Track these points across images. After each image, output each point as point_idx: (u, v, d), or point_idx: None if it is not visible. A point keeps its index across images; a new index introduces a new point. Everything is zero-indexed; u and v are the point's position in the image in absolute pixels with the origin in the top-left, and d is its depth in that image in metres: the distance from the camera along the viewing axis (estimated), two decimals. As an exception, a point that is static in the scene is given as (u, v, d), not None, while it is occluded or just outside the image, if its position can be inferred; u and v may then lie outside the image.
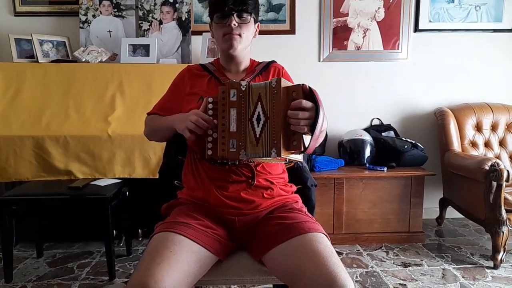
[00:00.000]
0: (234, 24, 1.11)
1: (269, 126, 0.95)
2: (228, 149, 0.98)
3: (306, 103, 0.93)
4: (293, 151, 0.95)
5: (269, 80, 0.96)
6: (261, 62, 1.27)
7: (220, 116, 1.00)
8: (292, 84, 0.98)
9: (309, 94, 0.95)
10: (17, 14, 2.52)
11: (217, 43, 1.21)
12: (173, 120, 1.11)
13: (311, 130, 0.93)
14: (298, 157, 1.00)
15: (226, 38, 1.13)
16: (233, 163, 1.10)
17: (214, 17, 1.15)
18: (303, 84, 0.95)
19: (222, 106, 1.00)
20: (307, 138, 0.94)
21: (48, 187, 1.91)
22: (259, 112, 0.97)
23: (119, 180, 2.01)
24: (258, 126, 0.97)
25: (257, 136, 0.97)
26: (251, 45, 1.22)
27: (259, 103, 0.98)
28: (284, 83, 0.95)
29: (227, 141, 0.98)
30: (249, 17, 1.14)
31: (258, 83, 1.01)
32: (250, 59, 1.27)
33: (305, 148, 0.93)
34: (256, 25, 1.21)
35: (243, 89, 0.99)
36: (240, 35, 1.13)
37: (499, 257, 1.98)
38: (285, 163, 1.24)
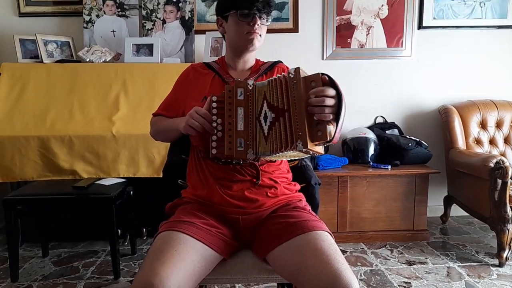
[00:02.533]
0: (258, 24, 1.13)
1: (288, 118, 0.92)
2: (236, 148, 0.97)
3: (330, 91, 0.90)
4: (318, 142, 0.92)
5: (288, 71, 0.93)
6: (266, 62, 1.28)
7: (227, 115, 0.99)
8: (311, 74, 0.94)
9: (329, 83, 0.92)
10: (22, 14, 2.54)
11: (231, 39, 1.20)
12: (179, 123, 1.11)
13: (336, 119, 0.91)
14: (321, 149, 0.95)
15: (247, 36, 1.14)
16: (238, 162, 1.09)
17: (237, 13, 1.14)
18: (322, 74, 0.92)
19: (229, 105, 0.99)
20: (331, 128, 0.91)
21: (53, 186, 1.93)
22: (265, 110, 0.96)
23: (123, 180, 2.02)
24: (265, 124, 0.96)
25: (265, 134, 0.95)
26: None
27: (264, 101, 0.97)
28: (303, 73, 0.93)
29: (234, 140, 0.97)
30: (269, 20, 1.17)
31: (262, 81, 1.00)
32: (256, 59, 1.27)
33: (331, 138, 0.90)
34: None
35: (250, 88, 0.99)
36: (260, 35, 1.16)
37: (504, 255, 1.97)
38: (289, 161, 1.24)
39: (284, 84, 0.94)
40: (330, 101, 0.89)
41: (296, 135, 0.90)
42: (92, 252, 2.21)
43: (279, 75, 0.96)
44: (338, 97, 0.91)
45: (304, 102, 0.90)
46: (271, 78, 0.98)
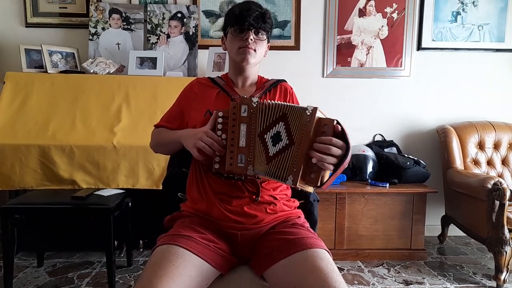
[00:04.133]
0: (251, 39, 1.15)
1: (292, 151, 0.93)
2: (236, 164, 0.99)
3: (337, 141, 0.92)
4: (308, 183, 0.94)
5: (305, 106, 0.95)
6: (270, 79, 1.29)
7: (230, 131, 1.01)
8: (326, 117, 0.95)
9: (340, 133, 0.94)
10: (28, 25, 2.58)
11: (229, 55, 1.23)
12: (180, 136, 1.12)
13: (334, 169, 0.93)
14: (310, 189, 0.98)
15: (241, 51, 1.16)
16: (239, 177, 1.11)
17: (231, 29, 1.17)
18: (336, 120, 0.94)
19: (233, 121, 1.01)
20: (325, 174, 0.93)
21: (51, 196, 1.93)
22: (278, 131, 0.97)
23: (122, 191, 2.02)
24: (274, 145, 0.96)
25: (270, 154, 0.96)
26: (260, 63, 1.25)
27: (281, 122, 0.97)
28: (319, 114, 0.94)
29: (235, 156, 0.99)
30: (265, 35, 1.18)
31: (286, 103, 1.01)
32: (258, 75, 1.29)
33: (321, 184, 0.93)
34: (268, 45, 1.24)
35: (254, 105, 1.00)
36: (255, 50, 1.17)
37: (502, 277, 1.96)
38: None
39: (300, 115, 0.95)
40: (336, 151, 0.91)
41: (290, 169, 0.93)
42: (87, 263, 2.20)
43: (298, 105, 0.97)
44: (347, 149, 0.93)
45: (309, 142, 0.92)
46: (295, 105, 0.98)
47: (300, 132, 0.94)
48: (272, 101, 1.01)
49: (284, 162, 0.94)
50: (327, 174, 0.94)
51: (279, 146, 0.96)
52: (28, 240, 2.22)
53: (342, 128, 0.95)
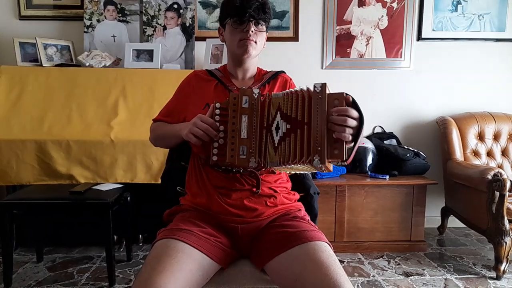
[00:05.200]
0: (252, 31, 1.12)
1: (306, 132, 0.91)
2: (238, 156, 0.97)
3: (352, 112, 0.90)
4: (333, 160, 0.91)
5: (314, 84, 0.93)
6: (269, 71, 1.27)
7: (231, 122, 0.99)
8: (335, 92, 0.93)
9: (351, 104, 0.92)
10: (22, 18, 2.53)
11: (229, 48, 1.20)
12: (180, 129, 1.10)
13: (353, 140, 0.91)
14: (331, 167, 0.95)
15: (242, 43, 1.14)
16: (238, 170, 1.09)
17: (231, 21, 1.14)
18: (346, 93, 0.92)
19: (233, 112, 0.99)
20: (347, 147, 0.91)
21: (49, 191, 1.91)
22: (278, 121, 0.96)
23: (121, 185, 2.01)
24: (276, 135, 0.95)
25: (275, 144, 0.95)
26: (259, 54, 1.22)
27: (278, 112, 0.96)
28: (327, 89, 0.93)
29: (237, 148, 0.97)
30: (265, 26, 1.16)
31: (277, 93, 1.00)
32: (257, 67, 1.27)
33: (346, 158, 0.90)
34: (266, 35, 1.22)
35: (255, 96, 0.99)
36: (256, 42, 1.14)
37: (502, 268, 1.97)
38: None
39: (307, 97, 0.93)
40: (352, 122, 0.89)
41: (314, 149, 0.89)
42: (87, 258, 2.19)
43: (297, 89, 0.96)
44: (360, 119, 0.91)
45: (326, 118, 0.90)
46: (288, 90, 0.98)
47: (313, 110, 0.91)
48: (277, 93, 1.00)
49: (296, 145, 0.92)
50: (349, 148, 0.91)
51: (280, 133, 0.95)
52: (27, 236, 2.21)
53: (353, 99, 0.93)
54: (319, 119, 0.90)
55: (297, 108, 0.94)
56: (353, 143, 0.91)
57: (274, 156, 0.95)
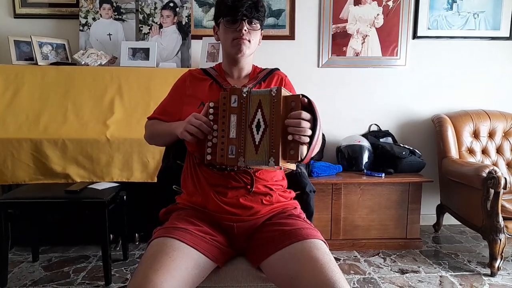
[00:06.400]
0: (245, 30, 1.12)
1: (268, 134, 0.95)
2: (227, 156, 0.98)
3: (306, 115, 0.94)
4: (290, 160, 0.96)
5: (270, 88, 0.97)
6: (264, 69, 1.27)
7: (220, 121, 1.00)
8: (291, 94, 0.98)
9: (308, 105, 0.96)
10: (17, 16, 2.52)
11: (223, 47, 1.20)
12: (175, 127, 1.10)
13: (309, 141, 0.95)
14: (292, 166, 1.01)
15: (235, 43, 1.14)
16: (232, 168, 1.09)
17: (224, 20, 1.14)
18: (302, 95, 0.96)
19: (223, 111, 1.00)
20: (303, 148, 0.95)
21: (45, 190, 1.90)
22: (259, 119, 0.98)
23: (117, 184, 2.00)
24: (257, 133, 0.97)
25: (257, 143, 0.97)
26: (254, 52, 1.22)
27: (259, 110, 0.98)
28: (284, 92, 0.96)
29: (226, 147, 0.98)
30: (258, 25, 1.16)
31: (259, 89, 1.02)
32: (253, 65, 1.27)
33: (302, 159, 0.95)
34: (261, 33, 1.22)
35: (244, 95, 0.99)
36: (249, 40, 1.14)
37: (496, 265, 1.98)
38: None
39: (269, 99, 0.97)
40: (306, 124, 0.93)
41: (270, 151, 0.94)
42: (83, 257, 2.18)
43: (266, 89, 0.99)
44: (314, 121, 0.95)
45: (281, 121, 0.94)
46: (266, 89, 0.99)
47: (271, 114, 0.96)
48: (256, 90, 1.01)
49: (265, 146, 0.96)
50: (305, 148, 0.95)
51: (260, 132, 0.97)
52: (23, 235, 2.20)
53: (309, 100, 0.97)
54: (275, 122, 0.95)
55: (269, 109, 0.97)
56: (309, 144, 0.95)
57: (256, 155, 0.97)
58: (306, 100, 0.97)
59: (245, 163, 0.98)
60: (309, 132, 0.94)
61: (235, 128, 0.99)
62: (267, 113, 0.97)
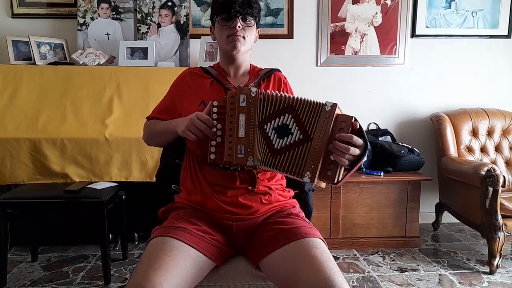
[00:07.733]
0: (239, 26, 1.12)
1: (309, 147, 0.93)
2: (236, 155, 0.97)
3: (357, 140, 0.91)
4: (323, 180, 0.94)
5: (323, 102, 0.93)
6: (263, 68, 1.27)
7: (228, 121, 0.99)
8: (344, 114, 0.94)
9: (358, 131, 0.93)
10: (15, 16, 2.51)
11: (219, 44, 1.20)
12: (175, 125, 1.10)
13: (350, 166, 0.92)
14: (323, 185, 0.97)
15: (230, 39, 1.14)
16: (235, 168, 1.09)
17: (218, 18, 1.14)
18: (354, 118, 0.93)
19: (231, 111, 0.99)
20: (341, 172, 0.93)
21: (44, 190, 1.90)
22: (285, 124, 0.95)
23: (115, 184, 2.00)
24: (280, 138, 0.95)
25: (276, 147, 0.95)
26: (251, 50, 1.22)
27: (287, 115, 0.95)
28: (338, 110, 0.93)
29: (234, 146, 0.97)
30: (253, 21, 1.16)
31: (288, 94, 0.99)
32: (250, 64, 1.27)
33: (337, 182, 0.92)
34: (257, 30, 1.21)
35: (253, 95, 0.99)
36: (244, 37, 1.14)
37: (495, 263, 1.99)
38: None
39: (316, 110, 0.93)
40: (354, 151, 0.91)
41: (308, 166, 0.92)
42: (82, 257, 2.18)
43: (311, 99, 0.95)
44: (364, 148, 0.93)
45: (327, 138, 0.91)
46: (302, 97, 0.96)
47: (317, 128, 0.93)
48: (274, 92, 0.99)
49: (298, 157, 0.93)
50: (342, 171, 0.94)
51: (289, 140, 0.95)
52: (22, 235, 2.19)
53: (360, 126, 0.94)
54: (320, 138, 0.92)
55: (307, 118, 0.94)
56: (349, 168, 0.93)
57: (272, 158, 0.95)
58: (358, 125, 0.93)
59: (254, 163, 0.97)
60: (353, 158, 0.92)
61: (243, 128, 0.98)
62: (309, 124, 0.94)
